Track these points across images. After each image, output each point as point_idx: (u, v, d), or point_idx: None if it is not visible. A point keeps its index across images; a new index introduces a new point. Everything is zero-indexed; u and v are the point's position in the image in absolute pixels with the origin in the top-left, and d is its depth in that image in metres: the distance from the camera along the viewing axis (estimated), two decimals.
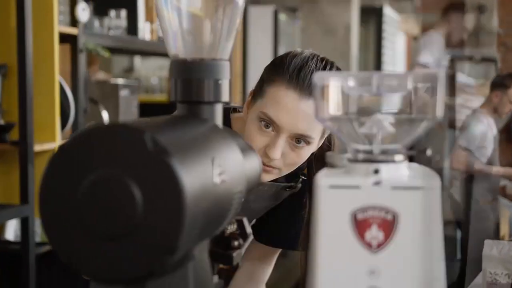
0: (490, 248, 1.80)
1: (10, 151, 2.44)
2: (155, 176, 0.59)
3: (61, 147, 0.62)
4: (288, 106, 1.22)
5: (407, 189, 0.66)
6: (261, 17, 4.95)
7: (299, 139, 1.24)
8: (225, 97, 0.80)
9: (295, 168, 1.30)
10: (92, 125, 0.61)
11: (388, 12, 7.41)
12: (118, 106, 3.05)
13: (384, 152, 0.69)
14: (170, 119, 0.73)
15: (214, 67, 0.79)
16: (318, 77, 0.68)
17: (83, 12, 2.64)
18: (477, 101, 4.31)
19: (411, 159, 0.72)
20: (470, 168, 4.16)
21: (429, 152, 0.94)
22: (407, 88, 0.67)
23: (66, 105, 2.57)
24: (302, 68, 1.24)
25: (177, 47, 0.81)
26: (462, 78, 4.35)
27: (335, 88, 0.69)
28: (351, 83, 0.68)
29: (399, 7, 8.63)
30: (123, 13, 3.02)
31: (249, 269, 1.54)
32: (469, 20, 4.46)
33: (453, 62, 4.58)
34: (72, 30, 2.64)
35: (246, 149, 0.83)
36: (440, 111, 0.67)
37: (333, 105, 0.69)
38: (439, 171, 4.36)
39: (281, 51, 6.17)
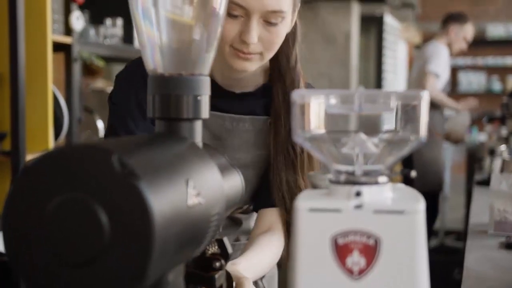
0: (498, 182, 1.65)
1: (2, 161, 2.41)
2: (123, 200, 0.56)
3: (26, 167, 0.59)
4: None
5: (390, 213, 0.63)
6: None
7: (271, 17, 1.19)
8: (205, 113, 0.77)
9: (276, 49, 1.24)
10: (59, 146, 0.58)
11: (389, 20, 7.39)
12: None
13: (366, 173, 0.66)
14: (145, 138, 0.70)
15: (193, 82, 0.76)
16: (297, 94, 0.65)
17: (77, 21, 2.61)
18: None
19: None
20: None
21: (413, 173, 0.91)
22: (390, 107, 0.64)
23: (59, 115, 2.54)
24: None
25: (155, 62, 0.78)
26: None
27: (315, 106, 0.66)
28: (332, 101, 0.66)
29: (400, 15, 8.61)
30: (119, 21, 3.00)
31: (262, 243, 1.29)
32: (469, 29, 4.47)
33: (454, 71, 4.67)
34: (66, 39, 2.61)
35: (227, 167, 0.81)
36: (424, 132, 0.64)
37: (313, 123, 0.66)
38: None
39: None
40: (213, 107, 1.27)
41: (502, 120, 4.19)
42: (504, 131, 4.02)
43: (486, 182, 2.58)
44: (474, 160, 4.60)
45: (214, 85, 1.29)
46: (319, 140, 0.67)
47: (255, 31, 1.18)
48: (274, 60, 1.32)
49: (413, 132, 0.65)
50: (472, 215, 2.09)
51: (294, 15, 1.27)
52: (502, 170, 2.76)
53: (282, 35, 1.23)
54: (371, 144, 0.66)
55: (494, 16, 9.62)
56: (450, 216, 5.55)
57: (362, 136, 0.66)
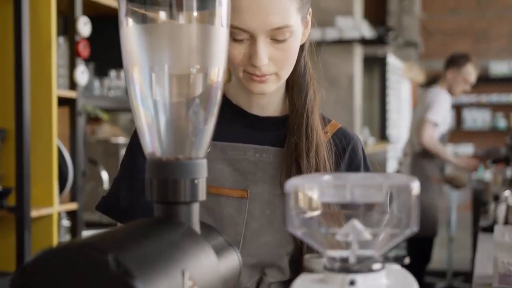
0: (501, 234, 1.61)
1: (7, 217, 2.43)
2: None
3: (23, 267, 0.60)
4: (249, 6, 1.09)
5: None
6: None
7: (278, 34, 1.11)
8: (202, 196, 0.79)
9: (292, 65, 1.16)
10: (56, 245, 0.60)
11: (392, 60, 7.45)
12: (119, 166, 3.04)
13: (360, 260, 0.67)
14: (141, 226, 0.71)
15: (190, 166, 0.78)
16: (290, 185, 0.67)
17: (82, 75, 2.65)
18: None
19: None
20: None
21: (407, 260, 0.91)
22: (382, 197, 0.65)
23: (64, 168, 2.56)
24: None
25: (153, 146, 0.79)
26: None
27: (307, 196, 0.67)
28: (325, 191, 0.67)
29: (403, 54, 8.68)
30: (123, 73, 3.04)
31: None
32: (469, 71, 4.48)
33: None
34: (71, 94, 2.65)
35: (223, 247, 0.81)
36: (415, 222, 0.65)
37: (306, 211, 0.67)
38: None
39: None
40: (235, 137, 1.25)
41: (506, 161, 4.18)
42: (509, 172, 4.02)
43: (491, 229, 2.57)
44: (479, 202, 4.58)
45: (237, 110, 1.26)
46: (312, 227, 0.68)
47: (264, 52, 1.12)
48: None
49: (405, 220, 0.66)
50: (477, 265, 2.08)
51: (305, 24, 1.20)
52: (507, 215, 2.76)
53: (294, 49, 1.16)
54: (365, 231, 0.67)
55: (497, 53, 9.69)
56: (458, 256, 5.51)
57: (356, 223, 0.67)
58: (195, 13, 0.77)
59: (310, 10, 1.21)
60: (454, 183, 4.78)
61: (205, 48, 0.77)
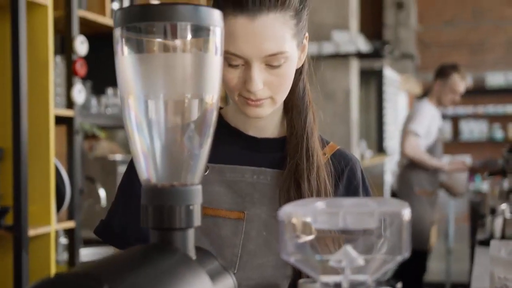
0: (498, 249, 1.61)
1: (4, 236, 2.43)
2: None
3: None
4: (243, 33, 1.10)
5: None
6: None
7: (273, 60, 1.12)
8: (197, 221, 0.80)
9: (287, 90, 1.18)
10: (51, 277, 0.60)
11: (389, 73, 7.48)
12: (117, 183, 3.05)
13: (353, 285, 0.68)
14: (137, 253, 0.72)
15: (185, 193, 0.79)
16: (284, 212, 0.68)
17: (79, 94, 2.66)
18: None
19: None
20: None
21: (399, 285, 0.92)
22: (374, 223, 0.66)
23: (61, 187, 2.57)
24: None
25: (149, 173, 0.81)
26: None
27: (301, 223, 0.68)
28: (318, 218, 0.68)
29: (400, 67, 8.72)
30: None
31: None
32: (455, 80, 4.46)
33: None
34: (68, 112, 2.66)
35: (219, 272, 0.82)
36: (407, 248, 0.66)
37: (299, 239, 0.68)
38: None
39: None
40: (233, 159, 1.26)
41: (503, 173, 4.19)
42: (506, 185, 4.03)
43: (488, 242, 2.58)
44: (477, 214, 4.59)
45: (235, 132, 1.27)
46: (306, 253, 0.69)
47: (258, 78, 1.13)
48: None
49: (398, 246, 0.67)
50: (473, 279, 2.09)
51: (302, 48, 1.21)
52: (503, 229, 2.77)
53: (289, 75, 1.17)
54: (358, 257, 0.68)
55: (493, 65, 9.73)
56: (456, 268, 5.51)
57: (349, 249, 0.68)
58: (189, 41, 0.78)
59: (307, 34, 1.22)
60: (453, 192, 4.79)
61: (200, 76, 0.79)
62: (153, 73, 0.78)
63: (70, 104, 2.66)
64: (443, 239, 5.70)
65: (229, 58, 1.12)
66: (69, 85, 2.66)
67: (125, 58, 0.78)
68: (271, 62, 1.13)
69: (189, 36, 0.77)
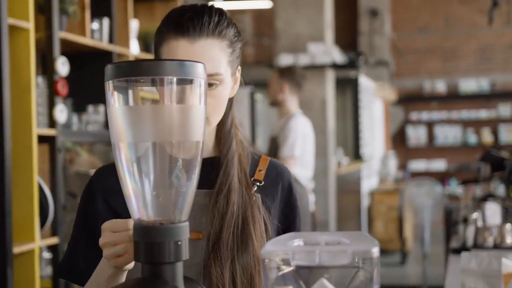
0: (468, 260, 1.67)
1: None
2: None
3: None
4: (184, 54, 1.19)
5: None
6: (238, 98, 5.06)
7: (209, 79, 1.16)
8: (185, 255, 0.87)
9: (221, 112, 1.25)
10: None
11: (364, 81, 7.59)
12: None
13: None
14: (131, 287, 0.79)
15: (174, 230, 0.86)
16: (265, 251, 0.75)
17: (61, 113, 2.72)
18: None
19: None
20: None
21: None
22: (347, 260, 0.74)
23: (45, 204, 2.62)
24: (183, 13, 1.22)
25: (140, 212, 0.88)
26: None
27: (280, 259, 0.76)
28: (296, 255, 0.75)
29: (375, 74, 8.85)
30: (101, 108, 3.11)
31: None
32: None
33: None
34: (51, 131, 2.71)
35: None
36: (377, 282, 0.74)
37: (280, 275, 0.76)
38: None
39: (259, 130, 6.29)
40: None
41: (475, 182, 4.30)
42: (478, 191, 4.14)
43: (461, 250, 2.66)
44: (451, 220, 4.70)
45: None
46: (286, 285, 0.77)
47: None
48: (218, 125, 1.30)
49: (368, 279, 0.75)
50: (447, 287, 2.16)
51: (234, 80, 1.29)
52: (475, 237, 2.86)
53: (223, 98, 1.24)
54: None
55: (466, 71, 9.91)
56: (433, 271, 5.62)
57: (325, 282, 0.76)
58: (175, 93, 0.86)
59: (240, 68, 1.30)
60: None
61: (186, 123, 0.87)
62: (141, 122, 0.85)
63: (52, 123, 2.71)
64: (419, 243, 5.81)
65: None
66: (51, 105, 2.72)
67: (116, 109, 0.86)
68: (208, 81, 1.15)
69: (174, 88, 0.85)
